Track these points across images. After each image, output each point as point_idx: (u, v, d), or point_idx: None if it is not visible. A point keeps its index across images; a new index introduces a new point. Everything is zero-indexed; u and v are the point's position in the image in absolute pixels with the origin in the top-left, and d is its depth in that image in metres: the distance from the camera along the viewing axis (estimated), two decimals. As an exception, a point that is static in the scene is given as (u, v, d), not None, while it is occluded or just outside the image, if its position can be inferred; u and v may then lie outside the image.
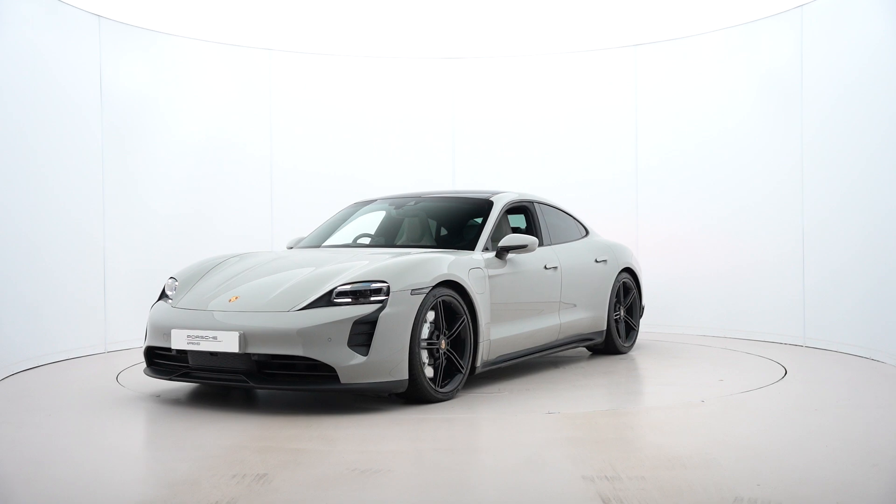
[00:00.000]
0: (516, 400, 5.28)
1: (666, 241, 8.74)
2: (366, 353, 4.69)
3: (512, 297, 5.80)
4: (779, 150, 7.80)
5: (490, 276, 5.58)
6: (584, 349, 7.32)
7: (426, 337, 5.00)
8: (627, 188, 9.04)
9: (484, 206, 6.19)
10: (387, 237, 6.41)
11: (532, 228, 6.51)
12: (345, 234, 6.57)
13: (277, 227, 8.83)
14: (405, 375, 4.81)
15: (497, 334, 5.60)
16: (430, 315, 5.06)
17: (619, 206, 9.00)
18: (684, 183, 8.69)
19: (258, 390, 5.50)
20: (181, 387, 5.67)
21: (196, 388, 5.63)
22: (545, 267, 6.24)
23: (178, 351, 5.01)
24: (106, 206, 7.55)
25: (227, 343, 4.78)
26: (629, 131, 9.06)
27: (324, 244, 6.43)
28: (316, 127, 9.11)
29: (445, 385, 5.13)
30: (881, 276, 6.63)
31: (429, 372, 5.02)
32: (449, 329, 5.18)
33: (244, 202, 8.73)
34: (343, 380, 4.67)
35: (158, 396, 5.38)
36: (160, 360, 5.23)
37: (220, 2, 8.66)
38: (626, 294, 7.38)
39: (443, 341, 5.10)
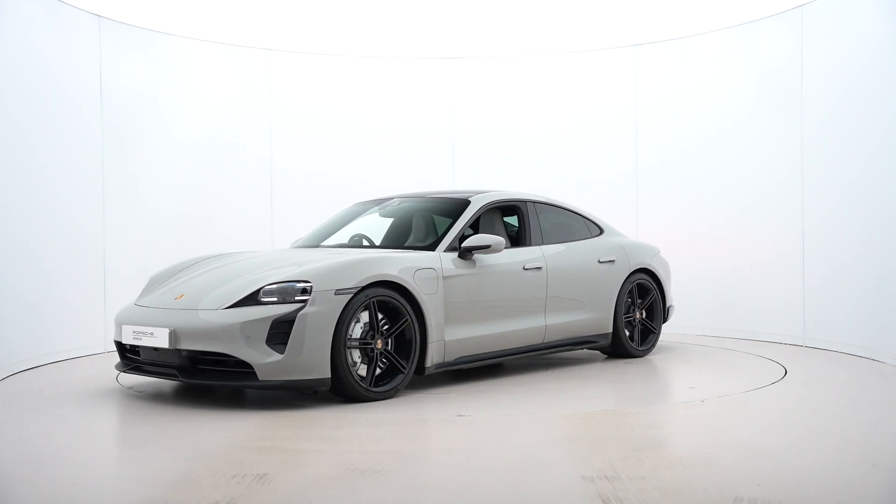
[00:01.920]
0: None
1: (666, 240, 8.73)
2: (283, 352, 4.82)
3: (477, 298, 5.78)
4: (779, 150, 7.81)
5: (446, 277, 5.57)
6: (599, 352, 7.18)
7: (358, 336, 5.08)
8: (627, 188, 9.04)
9: (461, 207, 6.17)
10: (375, 238, 6.45)
11: (521, 228, 6.45)
12: (343, 235, 6.57)
13: (277, 227, 8.83)
14: (327, 374, 4.91)
15: (456, 335, 5.60)
16: (367, 315, 5.14)
17: (620, 205, 9.00)
18: (684, 183, 8.69)
19: (263, 391, 5.50)
20: (181, 387, 5.67)
21: (196, 388, 5.64)
22: (524, 268, 6.15)
23: (129, 346, 5.33)
24: (106, 205, 7.55)
25: (160, 339, 5.04)
26: (629, 131, 9.06)
27: (322, 244, 6.45)
28: (316, 127, 9.11)
29: (385, 384, 5.19)
30: (881, 276, 6.63)
31: (365, 371, 5.10)
32: (390, 329, 5.24)
33: (244, 202, 8.73)
34: (261, 377, 4.82)
35: (158, 396, 5.38)
36: (127, 354, 5.48)
37: (220, 2, 8.66)
38: (644, 296, 7.17)
39: (378, 341, 5.15)
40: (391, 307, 5.26)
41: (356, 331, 5.08)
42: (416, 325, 5.32)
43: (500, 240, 5.79)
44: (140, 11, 7.92)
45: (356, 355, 5.08)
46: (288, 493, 3.35)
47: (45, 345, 6.80)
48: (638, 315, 7.10)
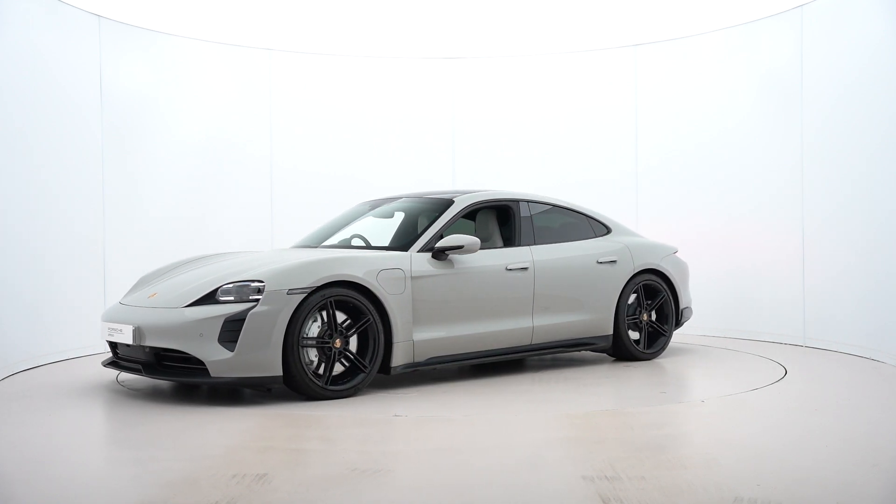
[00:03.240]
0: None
1: (666, 240, 8.73)
2: (233, 350, 4.95)
3: (451, 299, 5.78)
4: (779, 150, 7.80)
5: (415, 277, 5.59)
6: (606, 355, 7.04)
7: (315, 335, 5.17)
8: (627, 188, 9.04)
9: (444, 207, 6.18)
10: (380, 238, 6.46)
11: (511, 228, 6.40)
12: (344, 235, 6.58)
13: (278, 227, 8.82)
14: (279, 371, 5.02)
15: (426, 335, 5.62)
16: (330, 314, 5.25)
17: (620, 205, 8.99)
18: (684, 183, 8.69)
19: (270, 391, 5.51)
20: (181, 387, 5.68)
21: (196, 388, 5.64)
22: (507, 268, 6.11)
23: (108, 341, 5.60)
24: (106, 205, 7.55)
25: (126, 335, 5.28)
26: (629, 131, 9.06)
27: (322, 244, 6.46)
28: (316, 127, 9.11)
29: (344, 383, 5.26)
30: (881, 276, 6.64)
31: (323, 369, 5.20)
32: (350, 328, 5.31)
33: (244, 202, 8.73)
34: (213, 373, 4.97)
35: (158, 396, 5.38)
36: (116, 350, 5.71)
37: (220, 2, 8.66)
38: (653, 297, 6.99)
39: (336, 340, 5.22)
40: (352, 307, 5.32)
41: (313, 330, 5.18)
42: (380, 325, 5.37)
43: (473, 240, 5.78)
44: (140, 11, 7.92)
45: (313, 354, 5.18)
46: (288, 493, 3.35)
47: (45, 345, 6.80)
48: (645, 317, 6.92)
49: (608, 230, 7.00)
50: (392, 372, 5.47)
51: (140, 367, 5.30)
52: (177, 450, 4.11)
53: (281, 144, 8.94)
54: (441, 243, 5.77)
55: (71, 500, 3.32)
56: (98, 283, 7.45)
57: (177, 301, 5.25)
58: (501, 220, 6.46)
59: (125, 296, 5.89)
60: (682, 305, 7.21)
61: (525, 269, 6.21)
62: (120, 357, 5.58)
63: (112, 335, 5.44)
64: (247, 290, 5.09)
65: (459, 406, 5.12)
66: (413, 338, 5.55)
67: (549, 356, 7.08)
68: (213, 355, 4.96)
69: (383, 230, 6.57)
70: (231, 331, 4.96)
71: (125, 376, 6.08)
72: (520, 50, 9.47)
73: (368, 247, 6.21)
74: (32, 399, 5.42)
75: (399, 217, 6.56)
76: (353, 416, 4.80)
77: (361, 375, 5.33)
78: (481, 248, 6.15)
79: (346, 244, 6.38)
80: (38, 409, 5.10)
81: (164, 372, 5.20)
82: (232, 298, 5.09)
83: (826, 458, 3.84)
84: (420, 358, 5.62)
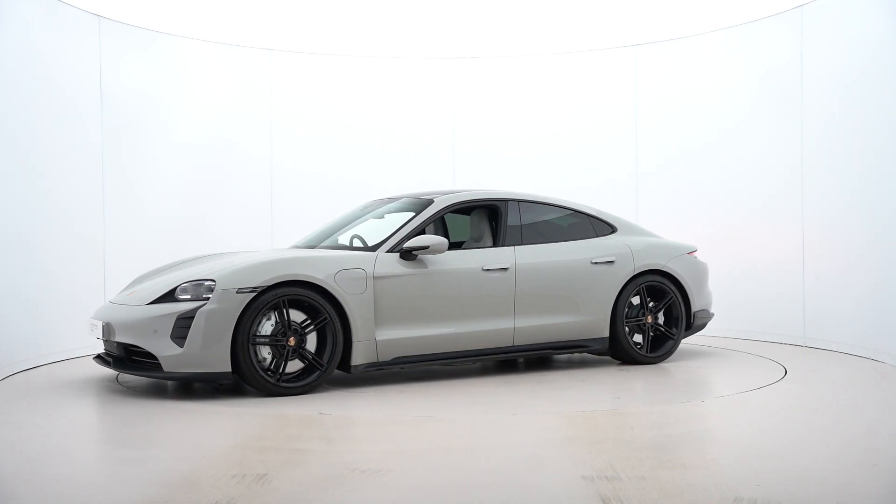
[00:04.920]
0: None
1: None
2: (183, 345, 5.15)
3: (418, 299, 5.80)
4: (779, 150, 7.81)
5: (378, 277, 5.64)
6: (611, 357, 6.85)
7: (268, 333, 5.31)
8: (627, 188, 9.04)
9: (422, 207, 6.20)
10: (364, 238, 6.48)
11: (496, 228, 6.34)
12: (345, 236, 6.57)
13: (277, 227, 8.82)
14: (228, 368, 5.20)
15: (391, 335, 5.67)
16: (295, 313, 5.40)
17: (620, 205, 8.98)
18: (684, 183, 8.69)
19: (258, 392, 5.52)
20: (180, 386, 5.68)
21: (195, 387, 5.64)
22: (484, 269, 6.07)
23: (97, 337, 5.74)
24: (106, 205, 7.55)
25: (98, 331, 5.58)
26: (629, 131, 9.06)
27: (320, 245, 6.47)
28: (316, 127, 9.11)
29: (300, 380, 5.38)
30: (881, 276, 6.64)
31: (290, 366, 5.35)
32: (307, 327, 5.42)
33: (244, 202, 8.73)
34: (165, 368, 5.19)
35: (158, 396, 5.39)
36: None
37: (220, 2, 8.66)
38: (660, 299, 6.73)
39: (291, 338, 5.34)
40: (309, 306, 5.42)
41: (266, 328, 5.32)
42: (339, 324, 5.46)
43: (439, 240, 5.79)
44: (140, 11, 7.92)
45: (265, 351, 5.32)
46: (288, 493, 3.35)
47: (45, 345, 6.80)
48: (649, 319, 6.66)
49: (613, 229, 6.82)
50: (353, 371, 5.56)
51: (110, 360, 5.58)
52: (177, 450, 4.11)
53: (281, 144, 8.94)
54: (408, 244, 5.82)
55: (71, 500, 3.32)
56: (98, 283, 7.45)
57: (143, 299, 5.50)
58: (493, 220, 6.41)
59: (116, 294, 6.08)
60: (694, 308, 6.87)
61: (505, 269, 6.15)
62: (105, 352, 5.79)
63: (92, 331, 5.72)
64: (200, 289, 5.30)
65: (459, 406, 5.12)
66: (376, 337, 5.61)
67: (553, 358, 7.07)
68: (165, 351, 5.18)
69: (380, 230, 6.57)
70: (182, 328, 5.17)
71: (125, 376, 6.08)
72: (520, 50, 9.47)
73: (350, 247, 6.21)
74: (32, 399, 5.42)
75: (390, 218, 6.57)
76: (353, 416, 4.80)
77: (317, 373, 5.42)
78: (472, 248, 6.20)
79: (336, 244, 6.38)
80: (38, 409, 5.10)
81: (130, 366, 5.44)
82: (189, 297, 5.31)
83: (826, 458, 3.84)
84: (385, 357, 5.67)
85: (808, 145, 7.48)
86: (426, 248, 5.79)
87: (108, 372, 6.26)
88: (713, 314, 7.23)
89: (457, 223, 6.86)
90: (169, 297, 5.37)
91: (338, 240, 6.49)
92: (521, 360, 6.95)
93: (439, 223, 6.72)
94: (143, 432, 4.52)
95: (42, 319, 6.79)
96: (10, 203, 6.42)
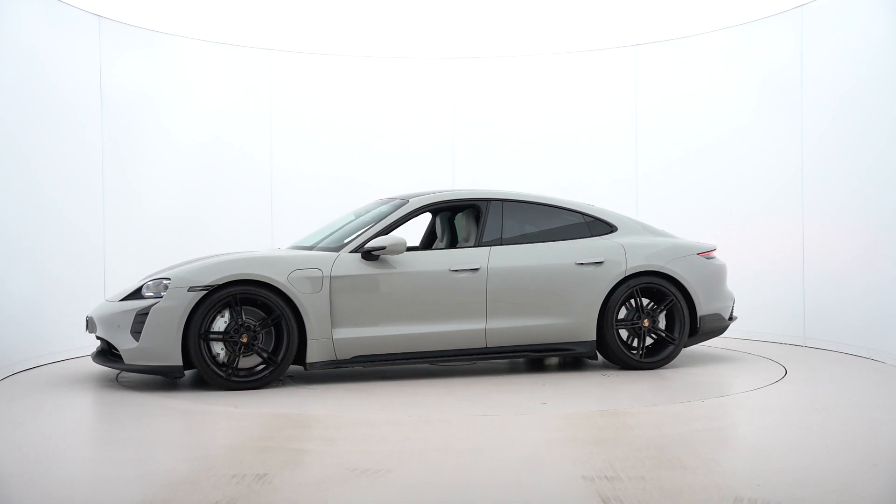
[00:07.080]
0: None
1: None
2: (138, 339, 5.49)
3: (379, 299, 5.85)
4: (779, 150, 7.80)
5: (335, 277, 5.75)
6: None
7: (222, 330, 5.54)
8: (627, 188, 9.04)
9: (396, 208, 6.23)
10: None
11: (475, 228, 6.29)
12: (343, 235, 6.56)
13: (278, 227, 8.82)
14: (179, 362, 5.48)
15: (349, 334, 5.76)
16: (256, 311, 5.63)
17: (620, 205, 8.97)
18: (684, 183, 8.69)
19: (262, 389, 5.52)
20: (181, 386, 5.68)
21: (195, 387, 5.64)
22: (452, 269, 6.03)
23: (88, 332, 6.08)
24: (106, 206, 7.55)
25: (82, 326, 6.02)
26: (629, 131, 9.05)
27: (317, 245, 6.47)
28: (316, 127, 9.11)
29: (254, 375, 5.58)
30: (881, 276, 6.64)
31: (248, 362, 5.58)
32: (261, 325, 5.61)
33: (244, 203, 8.73)
34: (126, 360, 5.56)
35: (158, 396, 5.39)
36: None
37: (220, 2, 8.66)
38: (659, 301, 6.41)
39: (244, 336, 5.55)
40: (262, 304, 5.63)
41: (219, 324, 5.56)
42: (293, 323, 5.63)
43: (397, 240, 5.85)
44: (140, 11, 7.92)
45: (218, 347, 5.56)
46: (288, 493, 3.35)
47: (46, 345, 6.80)
48: (646, 323, 6.35)
49: (612, 229, 6.55)
50: (309, 368, 5.71)
51: (96, 354, 5.93)
52: (177, 450, 4.11)
53: (281, 145, 8.94)
54: (368, 244, 5.89)
55: (71, 500, 3.32)
56: (98, 283, 7.45)
57: (117, 296, 5.87)
58: (477, 220, 6.36)
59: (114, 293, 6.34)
60: (701, 312, 6.48)
61: (475, 270, 6.07)
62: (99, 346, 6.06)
63: (86, 325, 6.03)
64: (160, 287, 5.61)
65: (459, 406, 5.12)
66: (333, 336, 5.72)
67: (552, 360, 7.07)
68: (125, 344, 5.54)
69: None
70: (139, 323, 5.51)
71: (125, 376, 6.09)
72: (520, 50, 9.47)
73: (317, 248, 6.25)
74: (32, 399, 5.43)
75: (359, 220, 6.57)
76: (353, 416, 4.80)
77: (270, 369, 5.62)
78: (460, 247, 6.22)
79: (333, 245, 6.38)
80: (38, 409, 5.10)
81: (108, 359, 5.75)
82: (152, 293, 5.62)
83: (826, 458, 3.84)
84: (344, 356, 5.78)
85: (808, 145, 7.48)
86: (383, 248, 5.85)
87: (108, 371, 6.26)
88: (732, 319, 6.87)
89: (461, 221, 6.87)
90: (136, 294, 5.70)
91: (343, 240, 6.49)
92: (521, 360, 6.95)
93: (447, 225, 6.69)
94: (143, 432, 4.52)
95: (42, 319, 6.79)
96: (10, 203, 6.42)
